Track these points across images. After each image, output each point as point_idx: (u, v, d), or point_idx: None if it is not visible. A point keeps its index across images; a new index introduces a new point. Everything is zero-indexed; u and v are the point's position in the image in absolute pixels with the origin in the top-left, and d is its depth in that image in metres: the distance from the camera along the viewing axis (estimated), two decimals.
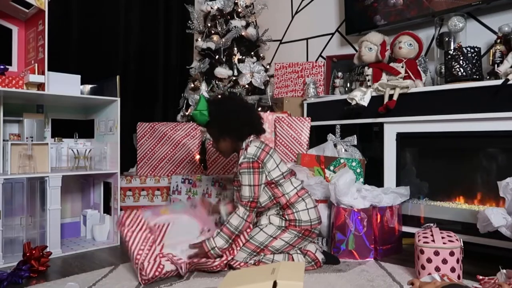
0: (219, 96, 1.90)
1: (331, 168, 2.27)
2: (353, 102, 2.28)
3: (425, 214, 2.09)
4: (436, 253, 1.54)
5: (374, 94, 2.26)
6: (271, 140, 2.69)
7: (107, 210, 2.28)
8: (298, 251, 1.78)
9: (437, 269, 1.53)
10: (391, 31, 2.53)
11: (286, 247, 1.76)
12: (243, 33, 3.00)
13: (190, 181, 2.48)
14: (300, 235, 1.77)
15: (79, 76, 2.15)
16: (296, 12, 3.35)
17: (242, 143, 1.82)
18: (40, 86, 1.96)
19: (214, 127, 1.83)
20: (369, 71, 2.34)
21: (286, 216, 1.77)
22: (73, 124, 2.40)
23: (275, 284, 1.13)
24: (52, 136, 2.30)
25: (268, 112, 2.80)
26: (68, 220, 2.36)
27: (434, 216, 2.05)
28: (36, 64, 2.01)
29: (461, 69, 2.01)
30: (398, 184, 2.18)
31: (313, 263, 1.76)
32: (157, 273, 1.58)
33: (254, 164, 1.74)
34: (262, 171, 1.75)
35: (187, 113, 3.05)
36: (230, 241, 1.71)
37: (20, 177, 1.94)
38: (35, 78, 1.93)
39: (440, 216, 2.03)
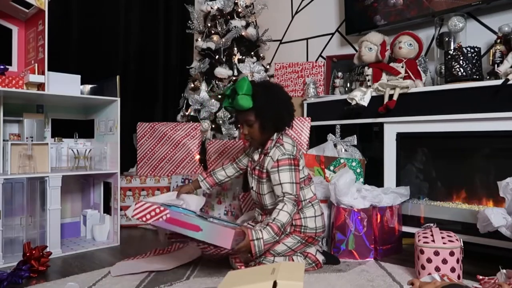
0: (264, 82, 1.75)
1: (331, 168, 2.27)
2: (353, 102, 2.28)
3: (425, 214, 2.09)
4: (436, 253, 1.54)
5: (374, 94, 2.26)
6: None
7: (107, 210, 2.28)
8: (299, 254, 1.78)
9: (437, 269, 1.53)
10: (391, 31, 2.53)
11: (288, 251, 1.74)
12: (243, 33, 3.00)
13: (190, 181, 2.48)
14: (304, 241, 1.75)
15: (79, 76, 2.15)
16: (296, 12, 3.35)
17: (274, 134, 1.78)
18: (40, 86, 1.96)
19: (257, 113, 1.72)
20: (369, 71, 2.34)
21: (293, 221, 1.75)
22: (73, 124, 2.40)
23: (275, 284, 1.13)
24: (52, 136, 2.30)
25: None
26: (68, 220, 2.36)
27: (434, 216, 2.05)
28: (36, 64, 2.01)
29: (461, 69, 2.01)
30: (398, 184, 2.18)
31: (313, 264, 1.76)
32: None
33: (295, 161, 1.71)
34: (300, 170, 1.74)
35: (187, 113, 3.05)
36: (277, 238, 1.60)
37: (20, 177, 1.94)
38: (35, 78, 1.93)
39: (440, 216, 2.03)
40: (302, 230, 1.75)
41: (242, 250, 1.56)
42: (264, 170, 1.75)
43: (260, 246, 1.56)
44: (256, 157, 1.85)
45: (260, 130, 1.75)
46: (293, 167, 1.69)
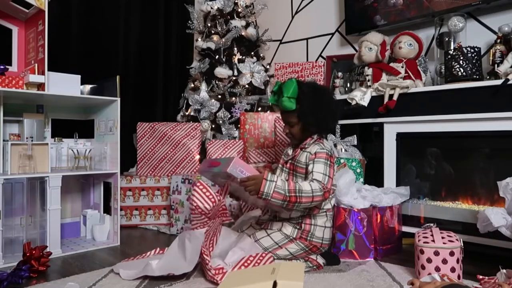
0: (312, 84, 1.85)
1: None
2: (353, 102, 2.28)
3: (425, 214, 2.10)
4: (436, 253, 1.54)
5: (374, 94, 2.26)
6: (271, 140, 2.69)
7: (107, 210, 2.28)
8: (300, 258, 1.78)
9: (437, 269, 1.53)
10: (391, 31, 2.53)
11: (289, 257, 1.74)
12: (243, 33, 3.00)
13: (190, 181, 2.48)
14: (307, 249, 1.74)
15: (79, 76, 2.15)
16: (296, 12, 3.35)
17: (316, 135, 1.81)
18: (40, 86, 1.96)
19: (299, 116, 1.75)
20: (369, 71, 2.34)
21: (303, 225, 1.73)
22: (73, 124, 2.40)
23: (275, 284, 1.13)
24: (52, 136, 2.30)
25: (268, 112, 2.80)
26: (68, 220, 2.36)
27: (434, 216, 2.05)
28: (36, 64, 2.01)
29: (461, 69, 2.01)
30: (398, 184, 2.18)
31: (315, 267, 1.75)
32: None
33: (332, 158, 1.74)
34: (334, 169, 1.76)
35: (187, 113, 3.05)
36: (287, 195, 1.56)
37: (20, 177, 1.94)
38: (35, 78, 1.93)
39: (440, 216, 2.03)
40: (309, 237, 1.73)
41: (251, 183, 1.56)
42: (298, 164, 1.78)
43: (270, 189, 1.54)
44: (290, 152, 1.88)
45: (301, 131, 1.79)
46: (328, 162, 1.71)
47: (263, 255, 1.67)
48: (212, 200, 1.64)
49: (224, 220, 1.77)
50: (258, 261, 1.64)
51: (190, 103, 2.99)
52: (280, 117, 1.92)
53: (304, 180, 1.74)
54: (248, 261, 1.63)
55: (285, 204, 1.58)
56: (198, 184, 1.67)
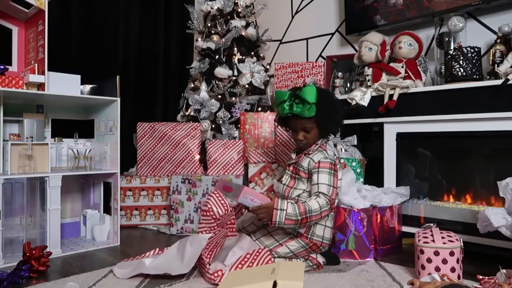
0: (319, 88, 1.83)
1: None
2: (353, 102, 2.28)
3: (425, 214, 2.10)
4: (436, 253, 1.54)
5: (374, 94, 2.26)
6: (271, 140, 2.69)
7: (107, 210, 2.28)
8: (300, 257, 1.78)
9: (437, 269, 1.53)
10: (391, 31, 2.53)
11: (290, 255, 1.74)
12: (243, 33, 3.00)
13: (190, 181, 2.48)
14: (307, 247, 1.74)
15: (79, 76, 2.15)
16: (296, 12, 3.35)
17: (321, 139, 1.82)
18: (40, 86, 1.96)
19: (318, 120, 1.75)
20: (369, 71, 2.34)
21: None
22: (73, 124, 2.40)
23: (275, 284, 1.13)
24: (52, 136, 2.30)
25: (268, 112, 2.80)
26: (68, 220, 2.36)
27: (434, 216, 2.05)
28: (36, 64, 2.01)
29: (461, 69, 2.01)
30: (398, 184, 2.18)
31: (314, 266, 1.75)
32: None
33: (335, 167, 1.75)
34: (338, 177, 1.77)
35: (187, 113, 3.05)
36: (298, 218, 1.60)
37: (20, 177, 1.94)
38: (35, 78, 1.93)
39: (440, 216, 2.03)
40: (309, 235, 1.74)
41: (262, 211, 1.61)
42: (300, 168, 1.79)
43: (282, 218, 1.59)
44: (294, 156, 1.90)
45: (317, 135, 1.80)
46: (332, 171, 1.73)
47: (259, 250, 1.68)
48: (226, 208, 1.66)
49: (229, 236, 1.78)
50: (255, 257, 1.65)
51: (190, 103, 2.99)
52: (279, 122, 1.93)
53: (305, 184, 1.79)
54: (245, 259, 1.64)
55: (297, 226, 1.66)
56: (215, 192, 1.71)
